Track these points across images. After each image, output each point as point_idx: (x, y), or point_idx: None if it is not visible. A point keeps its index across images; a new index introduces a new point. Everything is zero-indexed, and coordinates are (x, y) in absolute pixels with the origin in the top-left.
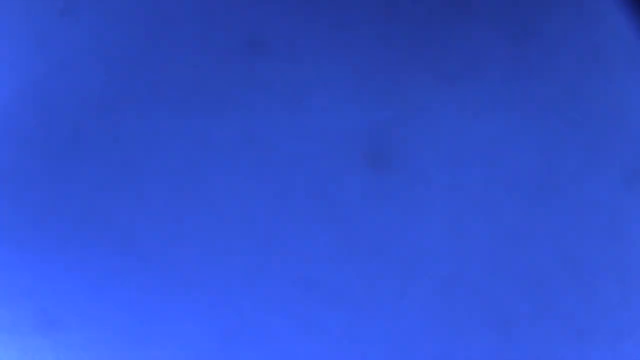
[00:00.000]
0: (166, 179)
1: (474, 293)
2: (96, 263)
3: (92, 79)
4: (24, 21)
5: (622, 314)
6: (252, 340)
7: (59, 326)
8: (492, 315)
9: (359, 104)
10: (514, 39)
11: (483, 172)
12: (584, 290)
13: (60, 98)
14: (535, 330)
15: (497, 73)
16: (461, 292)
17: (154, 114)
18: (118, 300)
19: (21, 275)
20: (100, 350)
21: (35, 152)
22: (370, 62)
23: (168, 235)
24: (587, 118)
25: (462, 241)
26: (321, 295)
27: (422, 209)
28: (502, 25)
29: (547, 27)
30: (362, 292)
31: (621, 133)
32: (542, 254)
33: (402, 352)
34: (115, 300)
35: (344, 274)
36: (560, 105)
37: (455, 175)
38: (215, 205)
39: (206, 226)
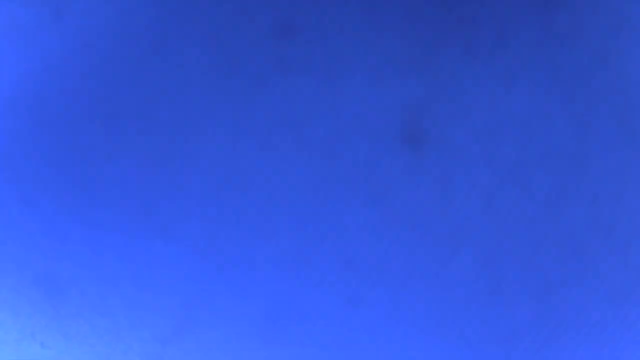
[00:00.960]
0: (203, 164)
1: (513, 263)
2: (138, 249)
3: (124, 65)
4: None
5: None
6: (296, 318)
7: (101, 310)
8: (531, 283)
9: (392, 83)
10: (543, 10)
11: (517, 144)
12: (619, 256)
13: (95, 81)
14: (573, 296)
15: (528, 45)
16: (500, 263)
17: (189, 99)
18: (161, 285)
19: (63, 262)
20: (143, 332)
21: (73, 141)
22: (401, 41)
23: (209, 218)
24: (617, 87)
25: (499, 213)
26: (362, 272)
27: (458, 184)
28: None
29: None
30: (402, 268)
31: None
32: (577, 222)
33: (444, 326)
34: (158, 285)
35: (384, 251)
36: (591, 75)
37: (490, 148)
38: (254, 187)
39: (246, 208)
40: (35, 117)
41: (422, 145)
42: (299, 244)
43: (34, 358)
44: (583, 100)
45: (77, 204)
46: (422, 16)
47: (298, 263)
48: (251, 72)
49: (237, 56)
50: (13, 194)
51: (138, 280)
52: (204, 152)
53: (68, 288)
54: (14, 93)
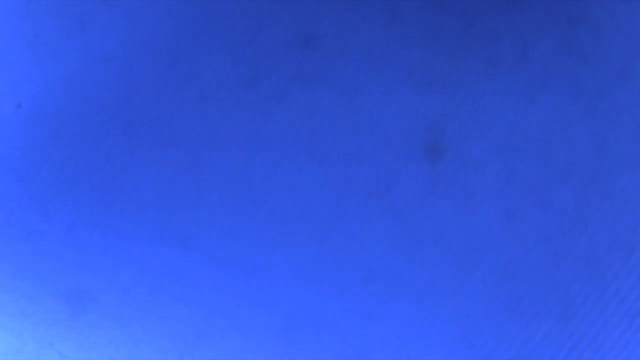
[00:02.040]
0: (223, 174)
1: (533, 278)
2: (156, 259)
3: (144, 76)
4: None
5: None
6: (314, 330)
7: (120, 320)
8: (550, 300)
9: (413, 97)
10: (566, 25)
11: (538, 159)
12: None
13: (116, 92)
14: (593, 314)
15: (550, 61)
16: (520, 278)
17: (209, 110)
18: (180, 294)
19: (81, 272)
20: (161, 343)
21: (93, 151)
22: (423, 55)
23: (228, 229)
24: (638, 101)
25: (519, 228)
26: (381, 286)
27: (479, 199)
28: (553, 11)
29: (598, 12)
30: (422, 282)
31: None
32: (598, 239)
33: (462, 339)
34: (177, 294)
35: (403, 265)
36: (613, 90)
37: (510, 163)
38: (273, 198)
39: (266, 219)
40: (55, 128)
41: (442, 159)
42: (318, 256)
43: None
44: (605, 115)
45: (96, 214)
46: (444, 30)
47: (317, 275)
48: (271, 84)
49: (257, 67)
50: (33, 204)
51: (156, 291)
52: (223, 163)
53: (87, 298)
54: (36, 103)
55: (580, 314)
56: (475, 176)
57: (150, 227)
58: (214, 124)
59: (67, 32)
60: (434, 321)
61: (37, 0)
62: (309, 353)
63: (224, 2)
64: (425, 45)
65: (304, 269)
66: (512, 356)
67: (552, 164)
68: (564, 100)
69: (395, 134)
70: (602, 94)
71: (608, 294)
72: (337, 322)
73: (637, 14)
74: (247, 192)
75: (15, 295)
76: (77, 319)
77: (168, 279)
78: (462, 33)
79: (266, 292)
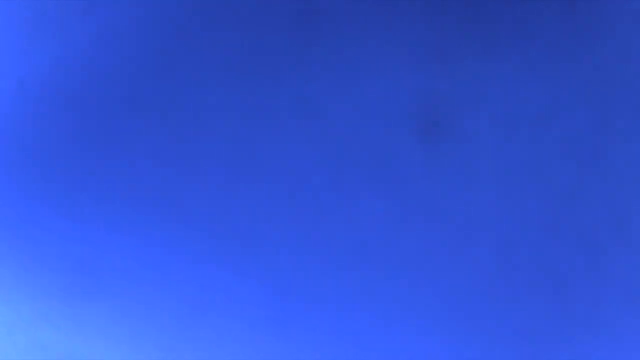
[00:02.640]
0: (220, 151)
1: (528, 256)
2: (151, 232)
3: (143, 50)
4: None
5: None
6: (306, 308)
7: (113, 293)
8: (545, 277)
9: (410, 74)
10: (565, 3)
11: (534, 137)
12: (635, 253)
13: (109, 71)
14: (587, 292)
15: (548, 39)
16: (514, 256)
17: (207, 88)
18: (174, 268)
19: (76, 244)
20: (155, 316)
21: (87, 122)
22: (421, 32)
23: (223, 206)
24: (635, 81)
25: (514, 206)
26: (374, 261)
27: (474, 176)
28: None
29: None
30: (416, 259)
31: None
32: (593, 217)
33: (455, 315)
34: (170, 268)
35: (397, 240)
36: (612, 69)
37: (506, 139)
38: (271, 174)
39: (262, 194)
40: (59, 103)
41: (438, 136)
42: (311, 233)
43: (46, 341)
44: (602, 94)
45: (93, 186)
46: (442, 8)
47: (310, 252)
48: (270, 58)
49: (256, 42)
50: (34, 183)
51: (152, 264)
52: (221, 137)
53: (82, 271)
54: (42, 81)
55: (576, 291)
56: (471, 152)
57: (148, 200)
58: (213, 98)
59: (72, 12)
60: (427, 297)
61: None
62: (303, 328)
63: None
64: (423, 21)
65: (297, 245)
66: (505, 332)
67: (549, 140)
68: (562, 77)
69: (392, 109)
70: (601, 70)
71: (601, 271)
72: (330, 298)
73: None
74: (245, 166)
75: (12, 266)
76: (73, 291)
77: (165, 252)
78: (461, 8)
79: (259, 268)
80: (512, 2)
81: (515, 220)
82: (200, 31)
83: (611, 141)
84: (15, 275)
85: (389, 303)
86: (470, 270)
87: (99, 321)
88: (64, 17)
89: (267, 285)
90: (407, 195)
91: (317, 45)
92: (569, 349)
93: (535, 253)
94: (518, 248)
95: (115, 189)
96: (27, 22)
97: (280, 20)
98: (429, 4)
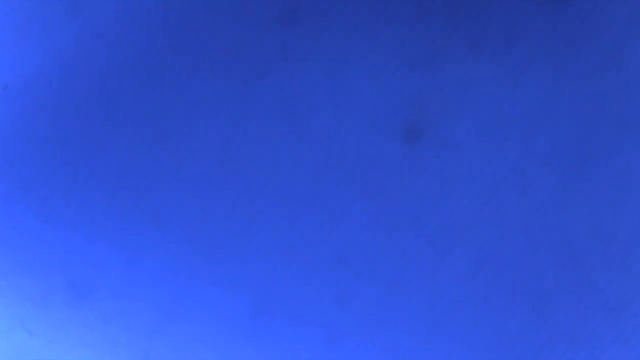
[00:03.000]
0: (201, 151)
1: (508, 266)
2: (128, 236)
3: (127, 50)
4: None
5: None
6: (282, 313)
7: (90, 298)
8: (526, 288)
9: (395, 77)
10: (551, 8)
11: (518, 144)
12: (618, 264)
13: (93, 70)
14: (569, 304)
15: (535, 44)
16: (495, 265)
17: (189, 87)
18: (150, 273)
19: (54, 248)
20: (130, 322)
21: (69, 125)
22: (406, 35)
23: (201, 208)
24: (624, 88)
25: (497, 213)
26: (353, 270)
27: (457, 182)
28: None
29: None
30: (395, 266)
31: None
32: (576, 227)
33: (436, 326)
34: (147, 273)
35: (376, 248)
36: (598, 75)
37: (491, 146)
38: (250, 177)
39: (238, 199)
40: (39, 104)
41: (421, 141)
42: (290, 237)
43: (22, 346)
44: (589, 101)
45: (70, 188)
46: (428, 11)
47: (288, 257)
48: (253, 60)
49: (240, 43)
50: (9, 176)
51: (126, 269)
52: (202, 139)
53: (58, 276)
54: (24, 86)
55: (555, 303)
56: (454, 159)
57: (124, 203)
58: (193, 100)
59: (57, 15)
60: (405, 306)
61: None
62: (277, 335)
63: None
64: (409, 26)
65: (275, 250)
66: (485, 344)
67: (533, 149)
68: (548, 85)
69: (376, 113)
70: (587, 79)
71: (585, 284)
72: (307, 305)
73: None
74: (222, 169)
75: None
76: (49, 298)
77: (139, 257)
78: (448, 14)
79: (236, 273)
80: (499, 8)
81: (497, 230)
82: (185, 33)
83: (597, 149)
84: None
85: (363, 311)
86: (448, 281)
87: (76, 327)
88: (49, 21)
89: (240, 291)
90: (391, 199)
91: (302, 48)
92: None
93: (515, 264)
94: (498, 258)
95: (95, 194)
96: (11, 26)
97: (265, 22)
98: (415, 8)
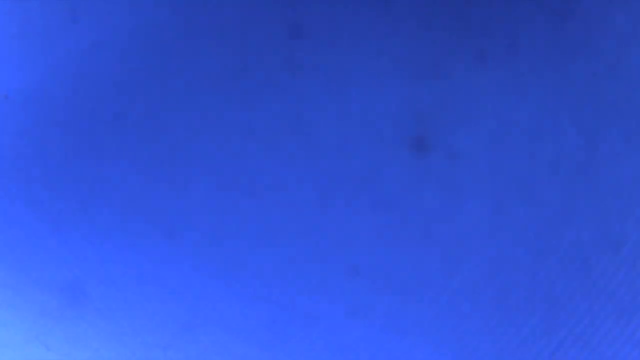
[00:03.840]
0: (210, 166)
1: (519, 274)
2: (143, 251)
3: (133, 65)
4: None
5: None
6: (297, 325)
7: (106, 313)
8: (537, 294)
9: (401, 88)
10: (554, 16)
11: (525, 153)
12: (628, 268)
13: (105, 82)
14: (580, 310)
15: (539, 54)
16: (506, 273)
17: (197, 101)
18: (165, 288)
19: (69, 263)
20: (146, 336)
21: (80, 141)
22: (412, 46)
23: (214, 222)
24: (628, 97)
25: (506, 223)
26: (366, 280)
27: (465, 192)
28: (544, 3)
29: (588, 5)
30: (407, 276)
31: None
32: (585, 234)
33: (448, 335)
34: (162, 288)
35: (388, 258)
36: (602, 84)
37: (497, 156)
38: (259, 190)
39: (251, 212)
40: (44, 119)
41: (429, 151)
42: (303, 249)
43: None
44: (593, 109)
45: (82, 204)
46: (433, 22)
47: (301, 269)
48: (260, 73)
49: (246, 57)
50: (20, 193)
51: (142, 283)
52: (210, 154)
53: (74, 290)
54: (24, 94)
55: (567, 310)
56: (462, 169)
57: (137, 218)
58: (202, 114)
59: (57, 23)
60: (418, 316)
61: None
62: (293, 347)
63: None
64: (415, 37)
65: (289, 263)
66: (498, 352)
67: (540, 158)
68: (553, 94)
69: (383, 125)
70: (592, 88)
71: (595, 291)
72: (322, 316)
73: (627, 7)
74: (234, 183)
75: (3, 286)
76: (64, 312)
77: (154, 272)
78: (453, 25)
79: (251, 286)
80: (505, 16)
81: (506, 238)
82: (189, 43)
83: (603, 155)
84: (6, 294)
85: (377, 321)
86: (461, 289)
87: (92, 342)
88: (50, 28)
89: (255, 304)
90: (398, 211)
91: (309, 60)
92: None
93: (526, 272)
94: (509, 266)
95: (109, 210)
96: (12, 34)
97: (272, 35)
98: (421, 20)
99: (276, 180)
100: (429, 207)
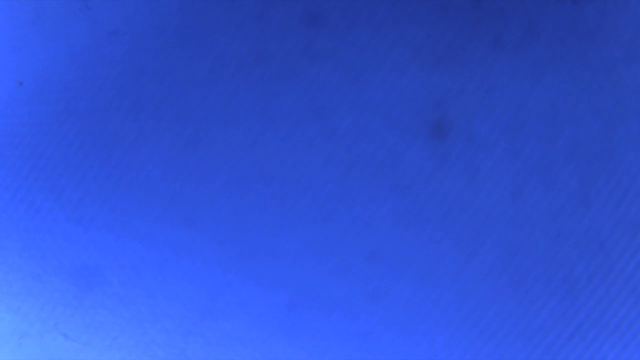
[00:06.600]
0: (230, 152)
1: (537, 258)
2: (163, 237)
3: (152, 52)
4: None
5: None
6: (318, 310)
7: (125, 300)
8: (554, 279)
9: (419, 74)
10: (572, 3)
11: (543, 138)
12: None
13: (122, 70)
14: (599, 294)
15: (557, 39)
16: (524, 258)
17: (215, 88)
18: (185, 273)
19: (87, 250)
20: (166, 322)
21: (99, 129)
22: (429, 32)
23: (233, 207)
24: None
25: (525, 208)
26: (385, 265)
27: (484, 177)
28: None
29: None
30: (426, 261)
31: None
32: (603, 219)
33: (466, 319)
34: (182, 273)
35: (407, 244)
36: (620, 69)
37: (515, 141)
38: (279, 177)
39: (270, 198)
40: (60, 105)
41: (447, 137)
42: (322, 234)
43: (57, 349)
44: (611, 94)
45: (102, 191)
46: (452, 8)
47: (322, 253)
48: (278, 60)
49: (264, 44)
50: (39, 182)
51: (161, 269)
52: (230, 140)
53: (93, 277)
54: (39, 80)
55: (585, 293)
56: (480, 155)
57: (157, 204)
58: (221, 101)
59: (71, 9)
60: (437, 300)
61: None
62: (312, 332)
63: None
64: (433, 23)
65: (308, 247)
66: (516, 336)
67: (557, 143)
68: (570, 79)
69: (402, 111)
70: (608, 72)
71: (613, 274)
72: (341, 301)
73: None
74: (253, 169)
75: (22, 274)
76: (83, 299)
77: (174, 257)
78: (470, 11)
79: (271, 271)
80: (520, 4)
81: (525, 223)
82: (207, 30)
83: (618, 143)
84: (26, 282)
85: (396, 306)
86: (479, 274)
87: (111, 329)
88: (64, 15)
89: (275, 289)
90: (416, 197)
91: (327, 47)
92: (580, 352)
93: (545, 256)
94: (528, 251)
95: (128, 196)
96: (26, 20)
97: (291, 22)
98: (439, 6)
99: (295, 166)
100: (447, 192)
